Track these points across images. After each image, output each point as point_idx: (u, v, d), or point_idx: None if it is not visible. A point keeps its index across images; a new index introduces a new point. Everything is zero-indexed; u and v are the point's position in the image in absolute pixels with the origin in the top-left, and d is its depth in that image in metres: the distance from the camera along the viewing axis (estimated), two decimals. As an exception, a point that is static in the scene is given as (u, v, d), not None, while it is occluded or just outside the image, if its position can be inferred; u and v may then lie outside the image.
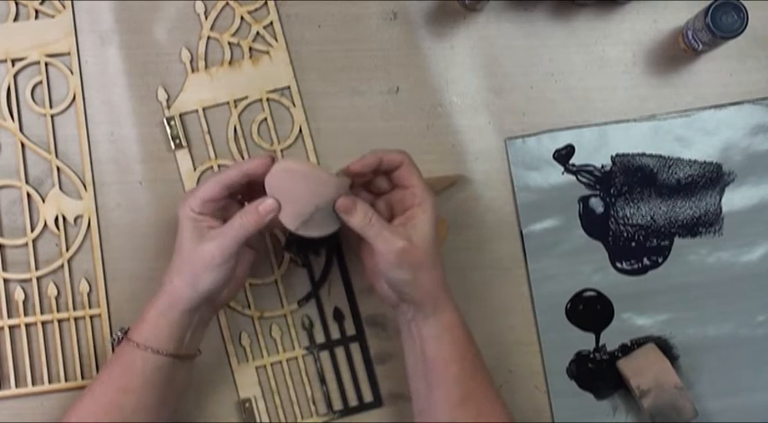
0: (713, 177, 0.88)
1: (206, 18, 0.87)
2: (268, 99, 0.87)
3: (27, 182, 0.86)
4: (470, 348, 0.76)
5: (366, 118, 0.88)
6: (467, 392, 0.74)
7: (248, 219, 0.72)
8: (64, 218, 0.85)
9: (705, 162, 0.88)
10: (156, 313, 0.74)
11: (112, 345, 0.78)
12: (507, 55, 0.89)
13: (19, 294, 0.84)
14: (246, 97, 0.87)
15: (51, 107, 0.86)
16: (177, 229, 0.74)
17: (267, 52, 0.88)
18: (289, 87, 0.87)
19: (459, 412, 0.74)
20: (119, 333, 0.76)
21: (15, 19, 0.87)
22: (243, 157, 0.87)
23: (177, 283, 0.73)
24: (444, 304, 0.75)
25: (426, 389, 0.75)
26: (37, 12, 0.87)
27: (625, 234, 0.88)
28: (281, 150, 0.87)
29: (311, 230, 0.74)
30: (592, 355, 0.87)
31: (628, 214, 0.88)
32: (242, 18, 0.88)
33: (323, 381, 0.86)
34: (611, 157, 0.88)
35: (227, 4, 0.88)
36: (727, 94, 0.89)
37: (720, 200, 0.88)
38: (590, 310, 0.87)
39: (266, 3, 0.88)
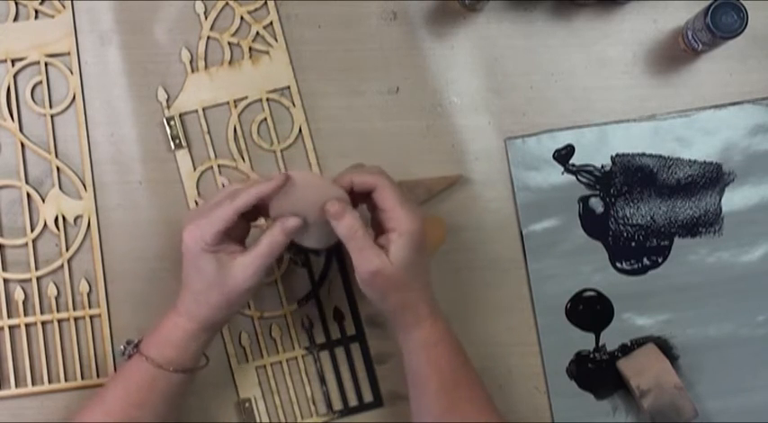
0: (713, 177, 0.88)
1: (206, 18, 0.87)
2: (268, 99, 0.87)
3: (27, 182, 0.86)
4: (452, 362, 0.76)
5: (366, 118, 0.88)
6: (449, 405, 0.75)
7: (275, 239, 0.71)
8: (64, 218, 0.85)
9: (705, 162, 0.88)
10: (182, 336, 0.73)
11: (120, 354, 0.77)
12: (507, 55, 0.89)
13: (19, 294, 0.84)
14: (246, 97, 0.87)
15: (51, 107, 0.86)
16: (187, 259, 0.72)
17: (267, 52, 0.88)
18: (289, 87, 0.87)
19: (444, 421, 0.74)
20: (129, 347, 0.76)
21: (15, 19, 0.87)
22: (243, 158, 0.86)
23: (205, 309, 0.73)
24: (421, 321, 0.74)
25: (413, 396, 0.76)
26: (37, 12, 0.87)
27: (625, 234, 0.88)
28: (281, 150, 0.87)
29: (307, 241, 0.75)
30: (592, 356, 0.87)
31: (628, 214, 0.88)
32: (242, 18, 0.88)
33: (323, 381, 0.86)
34: (611, 157, 0.88)
35: (227, 4, 0.88)
36: (727, 94, 0.89)
37: (720, 200, 0.88)
38: (590, 311, 0.87)
39: (266, 3, 0.88)
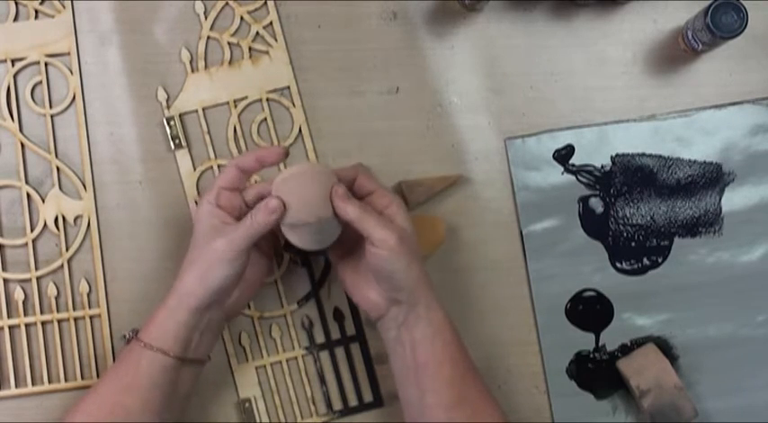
0: (713, 177, 0.88)
1: (206, 18, 0.87)
2: (268, 99, 0.87)
3: (27, 182, 0.86)
4: (460, 349, 0.76)
5: (366, 118, 0.88)
6: (460, 394, 0.74)
7: (257, 217, 0.72)
8: (64, 218, 0.85)
9: (705, 162, 0.88)
10: (165, 313, 0.74)
11: (123, 343, 0.78)
12: (507, 55, 0.89)
13: (19, 294, 0.84)
14: (246, 97, 0.87)
15: (51, 107, 0.86)
16: (194, 227, 0.75)
17: (267, 52, 0.88)
18: (288, 87, 0.87)
19: (455, 414, 0.74)
20: (130, 333, 0.77)
21: (15, 19, 0.87)
22: (243, 157, 0.87)
23: (187, 278, 0.74)
24: (434, 303, 0.75)
25: (419, 395, 0.75)
26: (37, 12, 0.87)
27: (625, 234, 0.88)
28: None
29: (310, 240, 0.75)
30: (592, 355, 0.87)
31: (627, 214, 0.88)
32: (242, 18, 0.88)
33: (323, 381, 0.86)
34: (611, 157, 0.88)
35: (227, 4, 0.88)
36: (727, 94, 0.89)
37: (720, 200, 0.88)
38: (590, 310, 0.87)
39: (266, 3, 0.88)
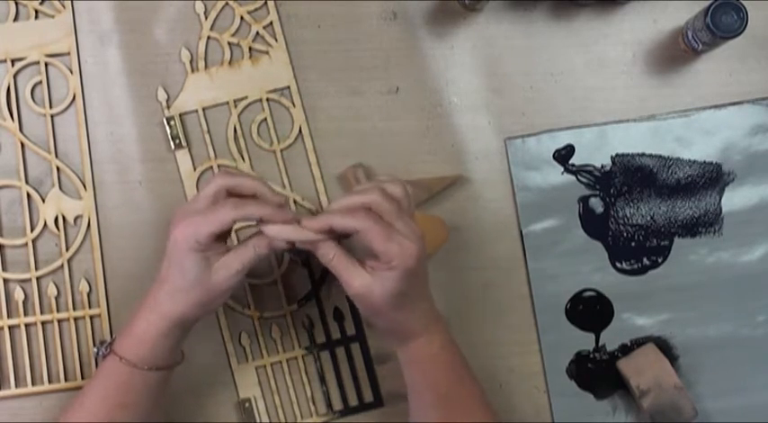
0: (713, 177, 0.88)
1: (206, 18, 0.87)
2: (268, 99, 0.87)
3: (27, 182, 0.86)
4: (448, 377, 0.76)
5: (366, 118, 0.88)
6: (445, 419, 0.74)
7: (261, 243, 0.71)
8: (64, 218, 0.85)
9: (705, 162, 0.88)
10: (156, 335, 0.72)
11: (96, 358, 0.77)
12: (507, 55, 0.89)
13: (19, 294, 0.84)
14: (246, 97, 0.87)
15: (51, 107, 0.86)
16: (173, 256, 0.71)
17: (267, 52, 0.88)
18: (289, 87, 0.87)
19: None
20: (102, 348, 0.75)
21: (15, 19, 0.87)
22: (243, 158, 0.86)
23: (182, 307, 0.71)
24: (412, 338, 0.75)
25: (411, 406, 0.77)
26: (37, 12, 0.87)
27: (625, 234, 0.88)
28: (281, 150, 0.87)
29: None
30: (592, 355, 0.87)
31: (627, 214, 0.88)
32: (242, 18, 0.88)
33: (323, 381, 0.86)
34: (611, 157, 0.88)
35: (227, 4, 0.88)
36: (727, 94, 0.89)
37: (720, 200, 0.88)
38: (590, 310, 0.87)
39: (266, 3, 0.88)
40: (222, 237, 0.72)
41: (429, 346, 0.75)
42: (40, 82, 0.86)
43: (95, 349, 0.77)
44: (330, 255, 0.71)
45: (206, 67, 0.87)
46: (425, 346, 0.75)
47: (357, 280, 0.70)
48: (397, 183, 0.73)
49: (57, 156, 0.86)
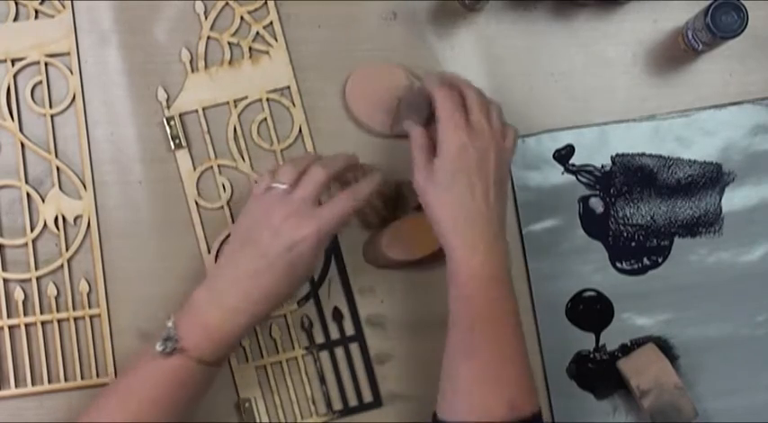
0: (713, 177, 0.88)
1: (206, 18, 0.87)
2: (268, 99, 0.87)
3: (27, 182, 0.86)
4: (484, 297, 0.72)
5: (366, 118, 0.88)
6: (470, 344, 0.71)
7: (346, 203, 0.74)
8: (64, 218, 0.85)
9: (705, 162, 0.88)
10: (240, 334, 0.73)
11: (160, 352, 0.71)
12: (507, 55, 0.89)
13: (19, 294, 0.84)
14: (246, 97, 0.87)
15: (51, 107, 0.86)
16: (279, 254, 0.72)
17: (267, 52, 0.88)
18: (289, 87, 0.87)
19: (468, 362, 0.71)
20: (169, 343, 0.71)
21: (15, 19, 0.87)
22: (243, 158, 0.86)
23: (267, 308, 0.73)
24: (451, 252, 0.73)
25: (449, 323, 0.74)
26: (37, 12, 0.87)
27: (625, 234, 0.88)
28: (281, 150, 0.87)
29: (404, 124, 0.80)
30: (592, 355, 0.87)
31: (628, 214, 0.88)
32: (242, 18, 0.88)
33: (323, 381, 0.86)
34: (611, 157, 0.88)
35: (227, 4, 0.88)
36: (727, 94, 0.89)
37: (720, 200, 0.88)
38: (590, 310, 0.87)
39: (266, 3, 0.88)
40: None
41: (468, 264, 0.72)
42: (40, 82, 0.86)
43: (159, 345, 0.71)
44: (414, 138, 0.76)
45: (206, 67, 0.87)
46: (465, 263, 0.72)
47: (423, 162, 0.74)
48: (496, 104, 0.78)
49: (57, 156, 0.86)
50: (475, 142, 0.73)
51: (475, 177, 0.73)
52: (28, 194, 0.85)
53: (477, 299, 0.72)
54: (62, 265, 0.85)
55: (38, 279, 0.85)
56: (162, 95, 0.86)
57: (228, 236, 0.83)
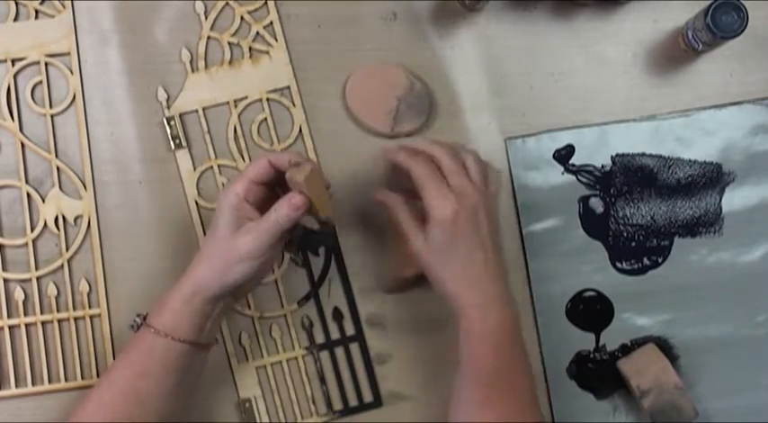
0: (713, 177, 0.88)
1: (206, 18, 0.87)
2: (268, 99, 0.87)
3: (27, 182, 0.86)
4: (497, 358, 0.74)
5: (366, 118, 0.88)
6: (481, 398, 0.73)
7: (281, 212, 0.73)
8: (64, 218, 0.85)
9: (705, 162, 0.88)
10: (179, 301, 0.73)
11: (133, 330, 0.76)
12: (507, 55, 0.89)
13: (19, 294, 0.84)
14: (246, 97, 0.87)
15: (51, 107, 0.86)
16: (214, 217, 0.74)
17: (267, 52, 0.88)
18: (289, 87, 0.87)
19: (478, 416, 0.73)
20: (137, 319, 0.76)
21: (15, 19, 0.87)
22: (243, 158, 0.86)
23: (205, 271, 0.73)
24: (461, 310, 0.74)
25: (456, 381, 0.75)
26: (37, 12, 0.87)
27: (625, 234, 0.88)
28: (281, 150, 0.87)
29: (404, 124, 0.84)
30: (592, 355, 0.87)
31: (628, 214, 0.88)
32: (242, 18, 0.88)
33: (323, 381, 0.86)
34: (611, 157, 0.88)
35: (227, 4, 0.88)
36: (727, 94, 0.89)
37: (720, 200, 0.88)
38: (590, 310, 0.87)
39: (266, 3, 0.88)
40: (257, 207, 0.74)
41: (483, 322, 0.74)
42: (41, 82, 0.86)
43: (132, 322, 0.76)
44: (396, 207, 0.77)
45: (206, 67, 0.87)
46: (479, 320, 0.74)
47: (414, 236, 0.75)
48: (471, 152, 0.78)
49: (57, 156, 0.86)
50: (463, 205, 0.74)
51: (472, 238, 0.74)
52: (28, 194, 0.85)
53: (490, 356, 0.74)
54: (62, 265, 0.85)
55: (38, 279, 0.85)
56: (162, 95, 0.86)
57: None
